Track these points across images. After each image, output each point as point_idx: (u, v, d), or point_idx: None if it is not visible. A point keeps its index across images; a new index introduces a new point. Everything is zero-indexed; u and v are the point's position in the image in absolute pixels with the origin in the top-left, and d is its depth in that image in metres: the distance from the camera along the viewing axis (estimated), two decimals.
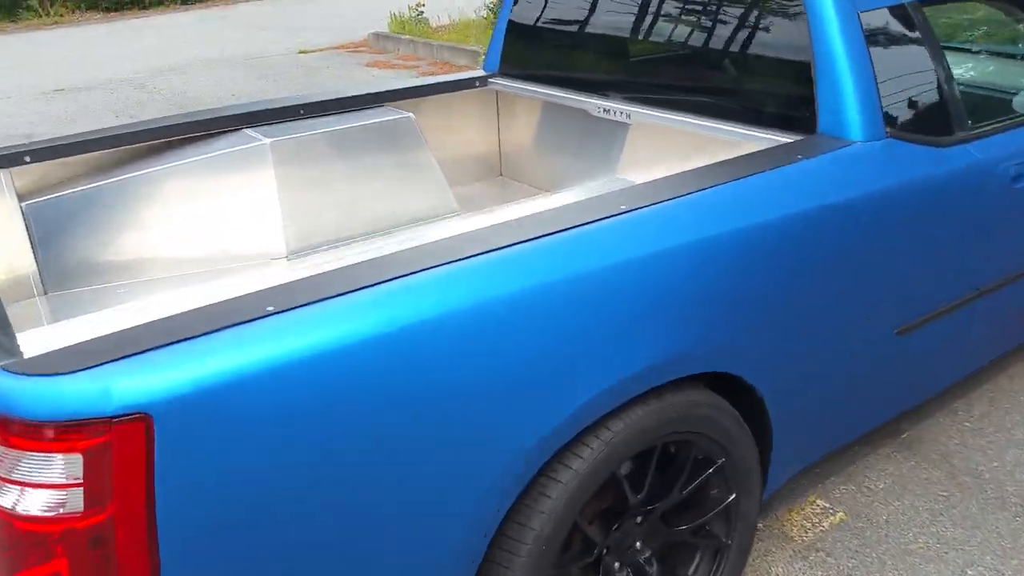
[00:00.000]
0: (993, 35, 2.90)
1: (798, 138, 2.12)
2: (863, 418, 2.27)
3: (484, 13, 10.72)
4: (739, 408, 1.86)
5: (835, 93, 2.05)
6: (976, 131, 2.27)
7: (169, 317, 1.32)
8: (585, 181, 3.00)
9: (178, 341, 1.24)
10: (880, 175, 1.98)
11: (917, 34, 2.19)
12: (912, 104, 2.15)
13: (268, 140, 2.56)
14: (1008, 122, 2.38)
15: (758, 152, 1.97)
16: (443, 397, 1.38)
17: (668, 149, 2.67)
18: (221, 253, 2.59)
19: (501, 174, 3.40)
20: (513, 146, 3.29)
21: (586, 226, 1.61)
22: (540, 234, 1.56)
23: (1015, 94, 2.57)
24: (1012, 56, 2.86)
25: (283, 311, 1.32)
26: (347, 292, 1.37)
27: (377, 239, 2.70)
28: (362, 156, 2.75)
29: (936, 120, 2.18)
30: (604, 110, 2.69)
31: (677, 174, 1.85)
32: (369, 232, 2.79)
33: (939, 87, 2.20)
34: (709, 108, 2.40)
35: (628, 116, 2.62)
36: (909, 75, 2.16)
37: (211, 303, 1.36)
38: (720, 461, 1.83)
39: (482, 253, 1.49)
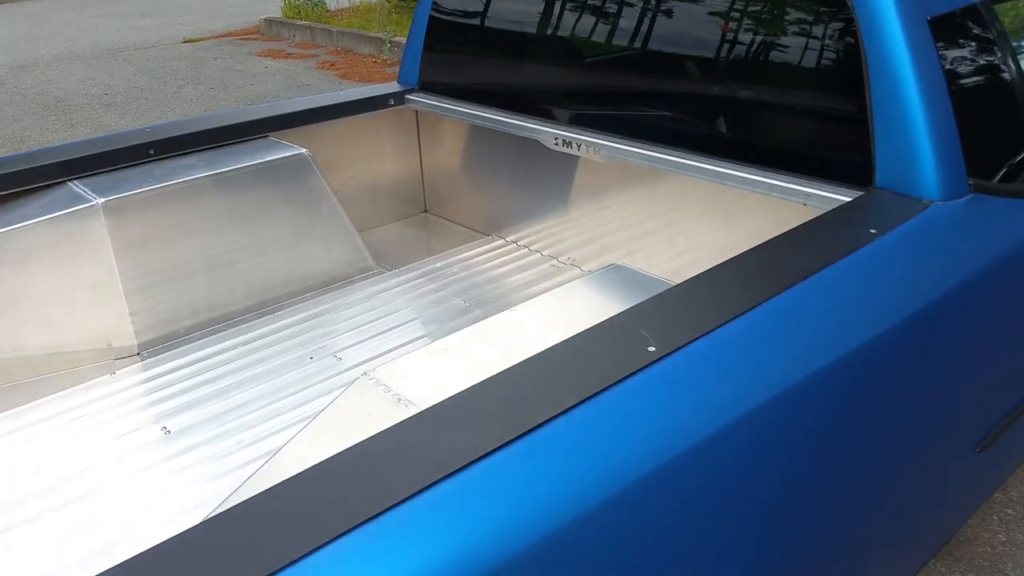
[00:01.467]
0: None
1: (849, 195, 1.53)
2: (929, 552, 1.72)
3: None
4: None
5: (902, 132, 1.46)
6: None
7: None
8: (533, 226, 2.36)
9: None
10: (977, 252, 1.40)
11: (998, 46, 1.62)
12: (996, 143, 1.58)
13: (99, 200, 1.84)
14: None
15: (813, 224, 1.36)
16: None
17: (651, 197, 2.04)
18: (48, 355, 1.86)
19: (425, 210, 2.73)
20: (439, 177, 2.63)
21: (589, 401, 0.96)
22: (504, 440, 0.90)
23: None
24: None
25: None
26: None
27: (262, 323, 2.02)
28: (240, 209, 2.04)
29: (1019, 162, 1.63)
30: (563, 142, 2.04)
31: (707, 273, 1.22)
32: (256, 308, 2.10)
33: (1022, 116, 1.65)
34: (712, 143, 1.78)
35: (595, 151, 1.98)
36: (989, 102, 1.59)
37: None
38: None
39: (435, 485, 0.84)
